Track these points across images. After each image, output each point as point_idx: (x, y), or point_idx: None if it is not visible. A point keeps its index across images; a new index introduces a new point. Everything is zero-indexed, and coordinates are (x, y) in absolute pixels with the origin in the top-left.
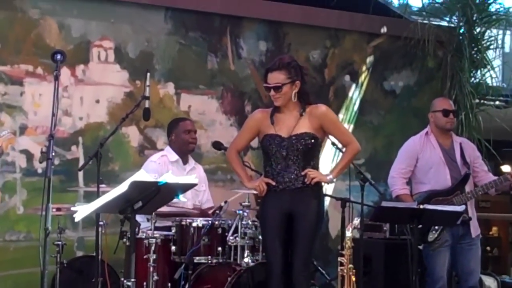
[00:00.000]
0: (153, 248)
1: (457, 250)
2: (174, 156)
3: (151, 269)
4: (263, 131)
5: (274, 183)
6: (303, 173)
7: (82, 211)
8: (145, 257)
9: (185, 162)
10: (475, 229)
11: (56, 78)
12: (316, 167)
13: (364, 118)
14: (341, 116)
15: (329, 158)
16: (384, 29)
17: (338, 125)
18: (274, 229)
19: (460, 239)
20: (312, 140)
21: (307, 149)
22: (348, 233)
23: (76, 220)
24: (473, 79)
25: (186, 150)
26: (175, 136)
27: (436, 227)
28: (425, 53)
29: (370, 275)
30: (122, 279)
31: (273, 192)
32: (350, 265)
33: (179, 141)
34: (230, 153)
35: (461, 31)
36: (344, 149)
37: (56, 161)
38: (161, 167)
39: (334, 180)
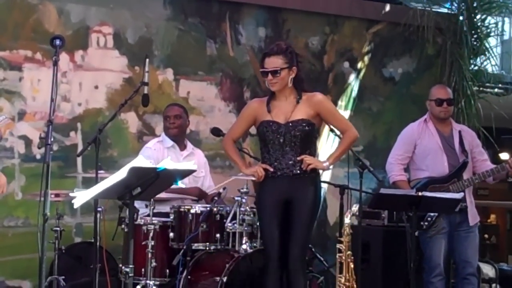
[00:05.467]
0: (151, 234)
1: (454, 237)
2: (169, 142)
3: (149, 255)
4: (260, 118)
5: (271, 169)
6: (299, 159)
7: (81, 197)
8: (143, 243)
9: (182, 147)
10: (473, 217)
11: (55, 63)
12: (313, 154)
13: (363, 105)
14: (340, 102)
15: (328, 145)
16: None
17: (335, 112)
18: (271, 215)
19: (458, 226)
20: (309, 127)
21: (304, 136)
22: (347, 220)
23: (75, 206)
24: (472, 66)
25: (169, 135)
26: (163, 123)
27: (432, 214)
28: (424, 40)
29: (369, 262)
30: (120, 265)
31: (270, 178)
32: (349, 252)
33: (164, 128)
34: (226, 142)
35: (460, 18)
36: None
37: (55, 147)
38: (157, 153)
39: (331, 167)
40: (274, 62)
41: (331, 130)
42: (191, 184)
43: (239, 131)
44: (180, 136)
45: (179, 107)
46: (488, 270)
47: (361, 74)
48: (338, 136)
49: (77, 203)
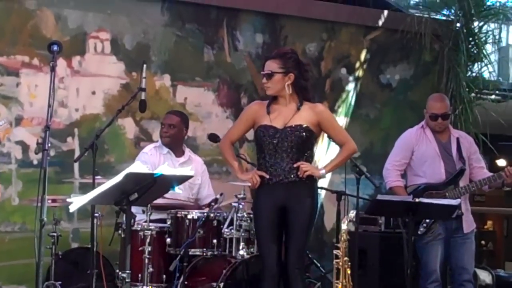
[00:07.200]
0: (148, 240)
1: (451, 243)
2: (164, 149)
3: (146, 261)
4: (258, 121)
5: (267, 176)
6: (295, 166)
7: (77, 201)
8: (140, 249)
9: (179, 154)
10: (468, 225)
11: (53, 69)
12: (309, 160)
13: (360, 111)
14: (337, 109)
15: (324, 152)
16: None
17: (335, 124)
18: (268, 222)
19: (454, 232)
20: (306, 133)
21: (301, 141)
22: (344, 226)
23: (71, 210)
24: (470, 73)
25: (162, 143)
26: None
27: (427, 220)
28: (421, 47)
29: (365, 268)
30: (117, 271)
31: (266, 185)
32: (346, 258)
33: (159, 134)
34: (224, 143)
35: (458, 25)
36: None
37: (52, 153)
38: (152, 158)
39: (326, 175)
40: (270, 65)
41: (329, 137)
42: (186, 191)
43: (237, 133)
44: (172, 145)
45: (176, 116)
46: (485, 277)
47: (359, 80)
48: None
49: (73, 207)
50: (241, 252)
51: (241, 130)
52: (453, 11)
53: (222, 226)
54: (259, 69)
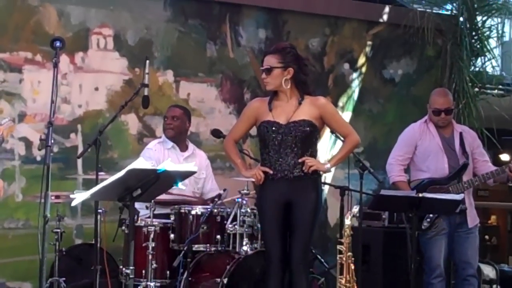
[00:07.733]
0: (152, 236)
1: (454, 238)
2: (169, 143)
3: (150, 257)
4: (261, 118)
5: (271, 172)
6: (300, 161)
7: (80, 196)
8: (144, 245)
9: (183, 149)
10: (472, 219)
11: (55, 65)
12: (313, 155)
13: (363, 107)
14: (340, 104)
15: (327, 146)
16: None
17: (337, 117)
18: (272, 218)
19: (458, 227)
20: (310, 128)
21: (305, 136)
22: (347, 222)
23: (73, 204)
24: (473, 67)
25: (166, 136)
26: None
27: (431, 215)
28: (424, 42)
29: (369, 263)
30: (121, 267)
31: (270, 180)
32: (349, 253)
33: (162, 128)
34: (227, 143)
35: (461, 20)
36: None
37: (55, 149)
38: (157, 153)
39: (332, 169)
40: (269, 60)
41: (332, 132)
42: (191, 185)
43: (240, 132)
44: (176, 138)
45: (179, 109)
46: (488, 271)
47: (361, 75)
48: (339, 137)
49: (75, 202)
50: (244, 248)
51: (243, 128)
52: (456, 5)
53: (225, 222)
54: (261, 64)
